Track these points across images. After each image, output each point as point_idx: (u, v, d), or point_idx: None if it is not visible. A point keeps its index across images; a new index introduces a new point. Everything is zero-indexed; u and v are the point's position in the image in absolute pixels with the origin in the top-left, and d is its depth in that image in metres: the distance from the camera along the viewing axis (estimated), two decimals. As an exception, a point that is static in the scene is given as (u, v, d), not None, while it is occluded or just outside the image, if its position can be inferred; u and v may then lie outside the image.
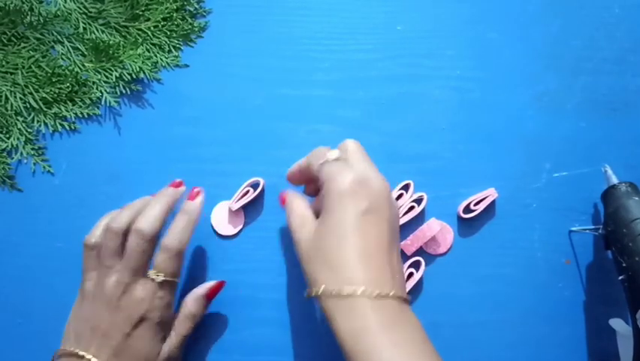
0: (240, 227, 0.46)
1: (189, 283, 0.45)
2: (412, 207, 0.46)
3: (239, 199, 0.46)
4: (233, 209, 0.46)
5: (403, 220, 0.45)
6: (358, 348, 0.33)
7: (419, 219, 0.46)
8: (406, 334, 0.34)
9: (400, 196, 0.46)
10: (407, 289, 0.44)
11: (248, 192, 0.46)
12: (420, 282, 0.46)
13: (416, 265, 0.45)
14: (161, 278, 0.39)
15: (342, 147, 0.41)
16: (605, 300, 0.45)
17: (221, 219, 0.47)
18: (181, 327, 0.41)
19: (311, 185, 0.44)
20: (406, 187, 0.46)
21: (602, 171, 0.44)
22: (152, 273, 0.40)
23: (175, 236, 0.40)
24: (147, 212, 0.40)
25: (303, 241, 0.38)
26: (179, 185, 0.43)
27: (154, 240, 0.40)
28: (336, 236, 0.36)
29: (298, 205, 0.41)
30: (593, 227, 0.45)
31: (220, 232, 0.46)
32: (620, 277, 0.40)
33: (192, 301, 0.42)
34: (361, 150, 0.40)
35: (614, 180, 0.43)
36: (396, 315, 0.35)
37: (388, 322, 0.34)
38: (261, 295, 0.45)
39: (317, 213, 0.39)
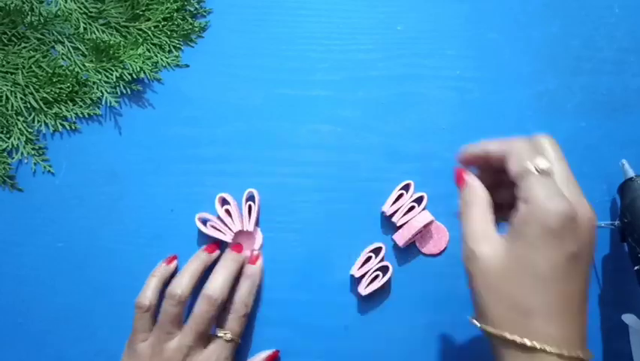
0: (261, 242, 0.46)
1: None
2: (412, 207, 0.46)
3: (249, 219, 0.46)
4: (251, 230, 0.45)
5: (403, 220, 0.45)
6: None
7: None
8: None
9: (400, 196, 0.46)
10: (371, 291, 0.44)
11: (250, 207, 0.46)
12: (420, 282, 0.46)
13: (384, 270, 0.45)
14: (229, 336, 0.41)
15: (540, 149, 0.34)
16: (606, 300, 0.45)
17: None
18: None
19: (488, 174, 0.37)
20: (406, 187, 0.46)
21: (620, 165, 0.45)
22: (220, 331, 0.42)
23: (242, 298, 0.43)
24: (215, 278, 0.42)
25: (482, 261, 0.33)
26: (239, 249, 0.45)
27: (221, 307, 0.42)
28: (532, 277, 0.31)
29: (483, 204, 0.35)
30: (609, 222, 0.46)
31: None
32: (636, 268, 0.41)
33: None
34: (563, 159, 0.34)
35: (631, 173, 0.44)
36: None
37: None
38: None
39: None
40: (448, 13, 0.51)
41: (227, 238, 0.45)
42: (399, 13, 0.51)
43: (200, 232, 0.46)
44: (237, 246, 0.45)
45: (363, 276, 0.44)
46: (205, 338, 0.41)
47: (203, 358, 0.41)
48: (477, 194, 0.35)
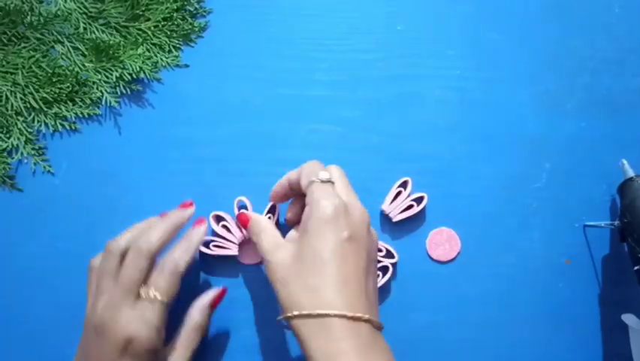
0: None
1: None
2: (410, 206, 0.46)
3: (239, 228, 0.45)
4: (247, 236, 0.45)
5: (400, 217, 0.45)
6: None
7: (419, 219, 0.46)
8: (379, 360, 0.35)
9: (398, 194, 0.46)
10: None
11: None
12: (420, 282, 0.46)
13: (384, 270, 0.45)
14: (152, 294, 0.38)
15: (324, 168, 0.41)
16: (606, 300, 0.45)
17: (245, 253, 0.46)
18: (189, 340, 0.40)
19: (296, 203, 0.44)
20: (404, 184, 0.46)
21: (619, 165, 0.45)
22: (143, 290, 0.38)
23: (172, 256, 0.39)
24: (149, 231, 0.39)
25: (279, 265, 0.38)
26: (189, 206, 0.43)
27: (152, 259, 0.39)
28: (317, 260, 0.36)
29: (268, 227, 0.41)
30: (608, 222, 0.46)
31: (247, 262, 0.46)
32: (636, 268, 0.41)
33: (198, 311, 0.41)
34: (344, 177, 0.41)
35: (631, 173, 0.44)
36: (370, 340, 0.35)
37: (363, 347, 0.34)
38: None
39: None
40: (448, 13, 0.51)
41: (234, 251, 0.45)
42: (399, 13, 0.51)
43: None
44: (187, 203, 0.43)
45: None
46: (133, 297, 0.38)
47: (120, 318, 0.36)
48: (260, 222, 0.42)
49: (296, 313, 0.36)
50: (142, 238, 0.39)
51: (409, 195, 0.46)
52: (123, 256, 0.39)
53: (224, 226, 0.45)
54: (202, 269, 0.46)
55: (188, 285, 0.45)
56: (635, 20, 0.50)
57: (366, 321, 0.35)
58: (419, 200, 0.46)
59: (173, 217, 0.41)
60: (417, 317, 0.45)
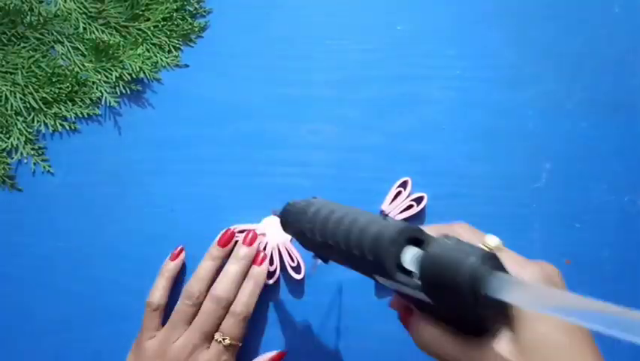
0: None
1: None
2: (410, 206, 0.46)
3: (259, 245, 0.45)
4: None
5: (400, 217, 0.45)
6: None
7: (419, 220, 0.46)
8: None
9: (398, 194, 0.46)
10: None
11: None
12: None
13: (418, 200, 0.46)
14: (227, 342, 0.41)
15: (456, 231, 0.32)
16: (607, 300, 0.45)
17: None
18: None
19: None
20: (404, 184, 0.46)
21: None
22: (218, 335, 0.41)
23: (243, 301, 0.42)
24: (223, 278, 0.42)
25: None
26: (251, 241, 0.44)
27: (229, 306, 0.42)
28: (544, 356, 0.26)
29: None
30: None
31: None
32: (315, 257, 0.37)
33: None
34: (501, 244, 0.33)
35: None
36: None
37: None
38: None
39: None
40: (448, 13, 0.50)
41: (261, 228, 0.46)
42: (399, 13, 0.50)
43: (201, 233, 0.46)
44: (250, 240, 0.44)
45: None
46: (210, 337, 0.41)
47: (200, 359, 0.41)
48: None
49: None
50: (219, 287, 0.42)
51: (408, 195, 0.46)
52: (200, 303, 0.42)
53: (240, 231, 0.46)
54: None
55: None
56: (635, 20, 0.50)
57: None
58: (419, 200, 0.46)
59: (240, 258, 0.43)
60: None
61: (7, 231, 0.47)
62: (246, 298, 0.42)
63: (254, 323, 0.45)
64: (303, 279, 0.46)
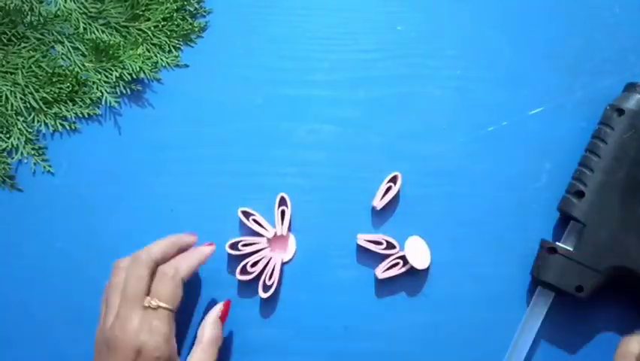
0: (295, 247, 0.46)
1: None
2: (388, 188, 0.46)
3: (282, 223, 0.46)
4: (285, 233, 0.45)
5: (382, 203, 0.46)
6: None
7: (419, 220, 0.46)
8: None
9: (388, 189, 0.46)
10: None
11: (284, 212, 0.46)
12: (420, 282, 0.46)
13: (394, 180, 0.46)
14: (155, 303, 0.37)
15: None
16: (606, 301, 0.45)
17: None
18: (206, 356, 0.40)
19: None
20: (394, 180, 0.46)
21: None
22: (146, 300, 0.38)
23: (173, 263, 0.40)
24: (151, 245, 0.40)
25: None
26: (210, 245, 0.43)
27: (151, 268, 0.39)
28: None
29: None
30: None
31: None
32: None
33: (210, 325, 0.41)
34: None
35: None
36: None
37: None
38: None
39: None
40: (448, 13, 0.50)
41: (264, 244, 0.45)
42: (399, 13, 0.50)
43: (201, 233, 0.46)
44: (207, 243, 0.43)
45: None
46: (139, 307, 0.37)
47: (128, 330, 0.36)
48: None
49: None
50: (143, 251, 0.39)
51: (399, 191, 0.46)
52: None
53: (255, 221, 0.45)
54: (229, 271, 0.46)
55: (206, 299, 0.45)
56: (635, 20, 0.50)
57: None
58: (394, 180, 0.46)
59: (180, 236, 0.42)
60: (417, 316, 0.45)
61: (7, 231, 0.47)
62: (177, 261, 0.40)
63: (252, 323, 0.45)
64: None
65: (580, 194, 0.43)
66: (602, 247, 0.42)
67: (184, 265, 0.40)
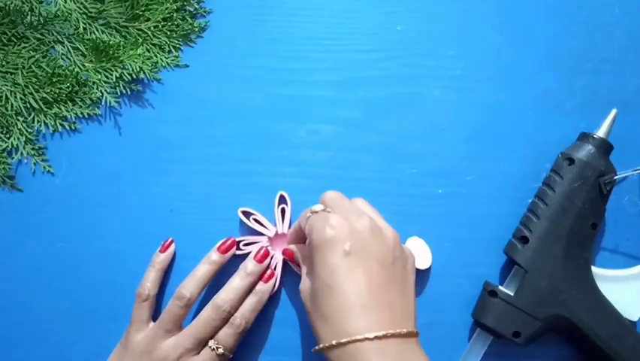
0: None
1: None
2: (283, 210, 0.46)
3: (282, 222, 0.46)
4: (286, 231, 0.45)
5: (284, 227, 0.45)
6: None
7: (418, 219, 0.46)
8: None
9: (283, 212, 0.46)
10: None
11: (284, 210, 0.46)
12: (420, 282, 0.46)
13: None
14: (221, 351, 0.41)
15: (322, 200, 0.41)
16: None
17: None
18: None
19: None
20: (282, 200, 0.46)
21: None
22: (212, 343, 0.41)
23: (244, 314, 0.42)
24: (228, 289, 0.42)
25: (304, 298, 0.39)
26: (261, 259, 0.44)
27: (228, 318, 0.41)
28: (324, 287, 0.35)
29: (297, 260, 0.42)
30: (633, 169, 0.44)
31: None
32: None
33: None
34: (341, 196, 0.41)
35: None
36: (400, 354, 0.34)
37: None
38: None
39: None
40: (448, 13, 0.50)
41: (271, 232, 0.45)
42: (399, 14, 0.50)
43: (201, 233, 0.46)
44: (261, 257, 0.44)
45: None
46: (202, 344, 0.41)
47: None
48: (300, 251, 0.43)
49: (321, 346, 0.35)
50: (223, 295, 0.42)
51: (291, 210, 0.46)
52: (190, 305, 0.42)
53: (256, 220, 0.46)
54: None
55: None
56: (635, 20, 0.50)
57: (394, 335, 0.34)
58: (283, 200, 0.46)
59: (247, 274, 0.43)
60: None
61: (7, 231, 0.47)
62: (247, 313, 0.42)
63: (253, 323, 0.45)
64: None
65: (524, 240, 0.42)
66: (542, 295, 0.41)
67: (253, 317, 0.43)
